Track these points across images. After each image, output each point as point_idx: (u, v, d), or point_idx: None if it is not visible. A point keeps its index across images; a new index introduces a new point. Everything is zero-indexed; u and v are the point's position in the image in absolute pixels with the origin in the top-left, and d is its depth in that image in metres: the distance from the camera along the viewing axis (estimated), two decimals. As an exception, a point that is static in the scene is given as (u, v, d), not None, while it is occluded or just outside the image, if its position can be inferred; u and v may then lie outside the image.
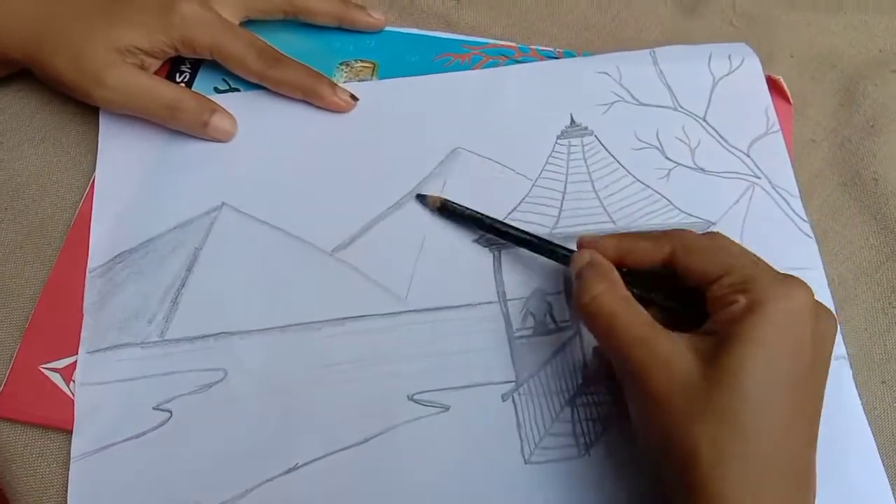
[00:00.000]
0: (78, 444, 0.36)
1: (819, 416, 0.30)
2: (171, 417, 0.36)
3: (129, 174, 0.42)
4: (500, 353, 0.38)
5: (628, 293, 0.32)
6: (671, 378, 0.29)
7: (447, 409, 0.37)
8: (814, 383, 0.30)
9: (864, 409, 0.37)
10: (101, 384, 0.37)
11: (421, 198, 0.41)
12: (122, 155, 0.42)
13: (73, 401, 0.37)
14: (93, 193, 0.41)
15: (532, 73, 0.45)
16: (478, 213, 0.39)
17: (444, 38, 0.47)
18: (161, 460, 0.36)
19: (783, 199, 0.41)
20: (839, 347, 0.38)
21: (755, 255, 0.32)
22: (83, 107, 0.43)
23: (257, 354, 0.38)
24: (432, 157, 0.43)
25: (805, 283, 0.30)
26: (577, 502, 0.35)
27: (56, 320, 0.38)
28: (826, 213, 0.43)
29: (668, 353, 0.29)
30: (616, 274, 0.33)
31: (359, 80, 0.45)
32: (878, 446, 0.37)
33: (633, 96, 0.44)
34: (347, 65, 0.46)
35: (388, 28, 0.47)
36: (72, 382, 0.37)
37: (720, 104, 0.44)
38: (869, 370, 0.39)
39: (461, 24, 0.48)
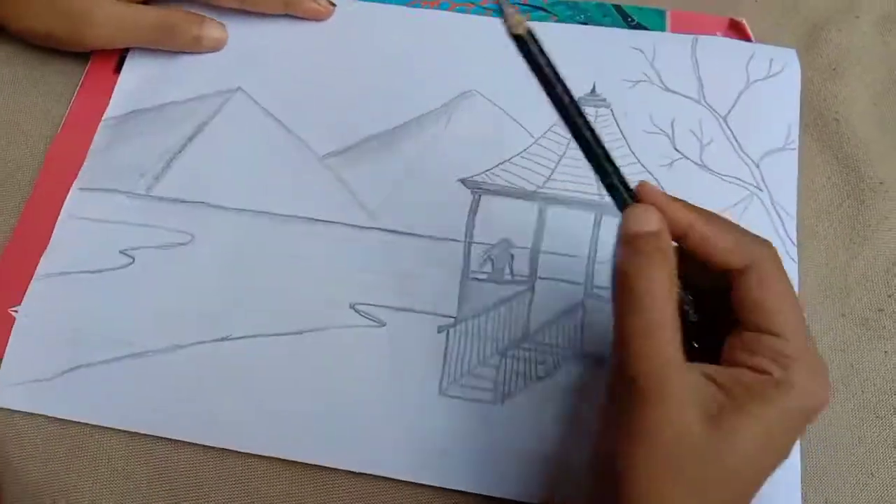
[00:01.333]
0: (44, 266, 0.39)
1: None
2: (132, 263, 0.39)
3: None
4: (450, 288, 0.39)
5: (675, 295, 0.26)
6: (667, 421, 0.25)
7: (383, 325, 0.38)
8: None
9: (825, 344, 0.38)
10: (81, 219, 0.40)
11: (501, 9, 0.28)
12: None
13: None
14: (61, 138, 0.42)
15: (567, 34, 0.45)
16: (557, 72, 0.29)
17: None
18: (110, 297, 0.38)
19: (779, 217, 0.40)
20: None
21: (807, 330, 0.27)
22: (52, 57, 0.44)
23: (226, 230, 0.40)
24: (444, 92, 0.43)
25: (828, 380, 0.27)
26: (479, 443, 0.36)
27: (25, 264, 0.39)
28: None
29: (677, 388, 0.25)
30: (675, 263, 0.26)
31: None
32: (834, 378, 0.37)
33: (661, 79, 0.43)
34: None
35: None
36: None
37: (745, 108, 0.42)
38: (829, 304, 0.39)
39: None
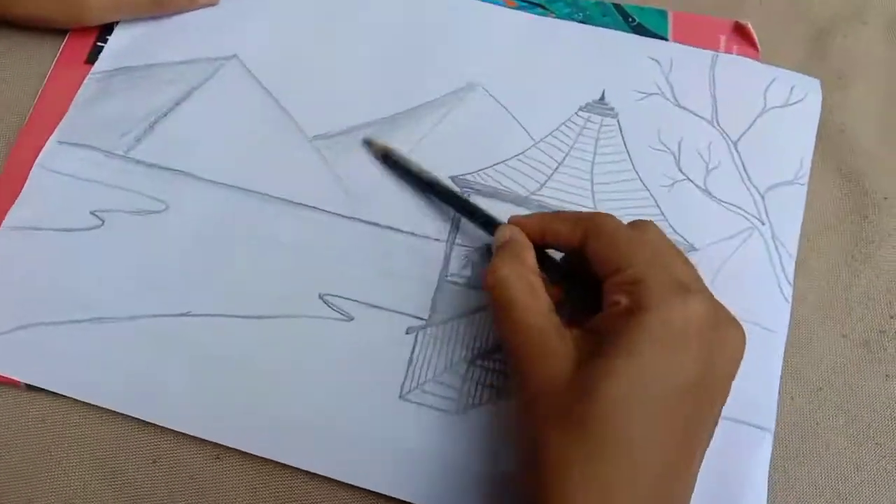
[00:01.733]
0: (11, 218, 0.38)
1: (705, 438, 0.28)
2: (101, 226, 0.38)
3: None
4: (425, 289, 0.37)
5: (538, 279, 0.30)
6: (545, 375, 0.27)
7: (351, 319, 0.36)
8: (699, 401, 0.27)
9: (824, 366, 0.37)
10: (56, 172, 0.39)
11: (367, 143, 0.39)
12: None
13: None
14: (28, 131, 0.40)
15: (582, 36, 0.43)
16: (421, 170, 0.38)
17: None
18: (74, 258, 0.37)
19: (778, 254, 0.38)
20: (768, 420, 0.35)
21: (673, 258, 0.29)
22: (23, 41, 0.43)
23: (202, 202, 0.38)
24: (447, 83, 0.41)
25: (701, 294, 0.28)
26: (433, 454, 0.34)
27: None
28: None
29: (554, 348, 0.28)
30: (531, 255, 0.31)
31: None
32: (832, 402, 0.36)
33: (674, 94, 0.41)
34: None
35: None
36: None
37: (759, 135, 0.40)
38: (830, 324, 0.38)
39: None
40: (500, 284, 0.30)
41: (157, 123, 0.40)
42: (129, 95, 0.40)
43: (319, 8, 0.43)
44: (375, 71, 0.41)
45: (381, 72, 0.42)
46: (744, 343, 0.28)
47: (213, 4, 0.42)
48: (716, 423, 0.28)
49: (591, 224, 0.31)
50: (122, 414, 0.35)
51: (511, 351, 0.29)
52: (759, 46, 0.43)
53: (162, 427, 0.35)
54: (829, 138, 0.41)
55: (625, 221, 0.37)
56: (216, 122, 0.40)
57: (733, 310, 0.35)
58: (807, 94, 0.41)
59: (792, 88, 0.41)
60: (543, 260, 0.33)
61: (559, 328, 0.29)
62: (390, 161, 0.39)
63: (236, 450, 0.34)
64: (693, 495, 0.28)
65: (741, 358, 0.28)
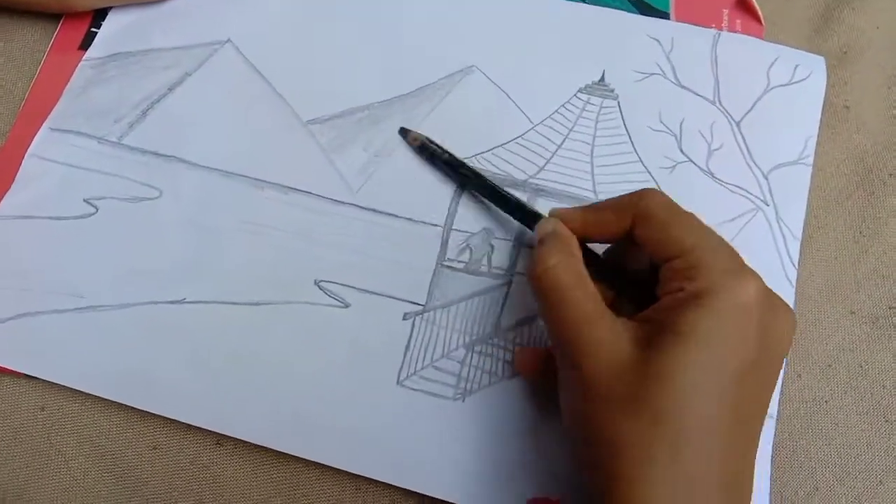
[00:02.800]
0: (5, 206, 0.38)
1: (761, 420, 0.28)
2: (95, 213, 0.37)
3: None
4: (422, 274, 0.37)
5: (584, 270, 0.30)
6: (605, 363, 0.27)
7: (347, 306, 0.36)
8: (757, 384, 0.27)
9: (832, 343, 0.37)
10: (48, 160, 0.38)
11: (403, 132, 0.39)
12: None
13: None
14: (22, 118, 0.40)
15: (581, 15, 0.42)
16: (457, 159, 0.37)
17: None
18: (68, 245, 0.37)
19: (783, 236, 0.37)
20: (771, 406, 0.35)
21: (720, 241, 0.29)
22: (16, 28, 0.42)
23: (196, 188, 0.38)
24: (445, 66, 0.41)
25: (756, 275, 0.27)
26: (433, 440, 0.34)
27: None
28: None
29: (607, 337, 0.27)
30: (576, 247, 0.31)
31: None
32: (841, 380, 0.36)
33: (675, 74, 0.41)
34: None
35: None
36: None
37: (762, 115, 0.39)
38: (837, 300, 0.37)
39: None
40: (548, 275, 0.29)
41: (150, 109, 0.39)
42: (123, 82, 0.40)
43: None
44: (371, 54, 0.41)
45: (376, 55, 0.41)
46: (794, 325, 0.28)
47: None
48: (767, 407, 0.28)
49: (639, 209, 0.30)
50: (107, 399, 0.35)
51: (563, 342, 0.28)
52: (762, 20, 0.42)
53: (151, 413, 0.35)
54: (834, 114, 0.40)
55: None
56: (210, 107, 0.39)
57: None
58: (811, 73, 0.40)
59: (796, 67, 0.40)
60: (585, 255, 0.32)
61: (611, 317, 0.28)
62: (427, 152, 0.38)
63: (226, 436, 0.34)
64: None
65: (791, 340, 0.28)
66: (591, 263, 0.31)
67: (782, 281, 0.36)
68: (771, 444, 0.34)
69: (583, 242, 0.32)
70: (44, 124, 0.39)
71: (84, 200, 0.37)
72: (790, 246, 0.37)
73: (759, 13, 0.42)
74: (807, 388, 0.35)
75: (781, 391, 0.35)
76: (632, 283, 0.32)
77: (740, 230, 0.37)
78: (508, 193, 0.35)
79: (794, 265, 0.37)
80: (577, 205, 0.37)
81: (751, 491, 0.27)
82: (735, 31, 0.42)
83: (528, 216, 0.34)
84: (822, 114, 0.40)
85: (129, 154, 0.38)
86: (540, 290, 0.29)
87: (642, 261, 0.31)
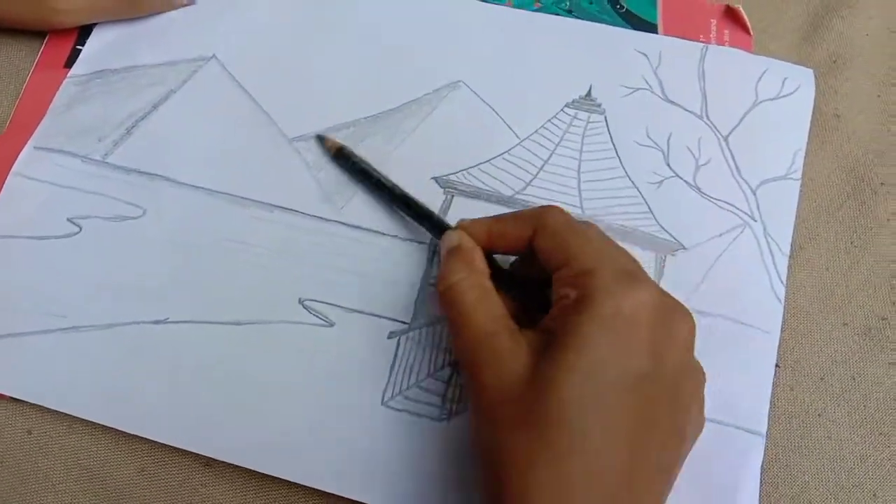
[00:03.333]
0: (-11, 225, 0.37)
1: (665, 434, 0.27)
2: (78, 233, 0.37)
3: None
4: (408, 293, 0.36)
5: (489, 284, 0.30)
6: (500, 378, 0.27)
7: (332, 325, 0.36)
8: (652, 395, 0.26)
9: (825, 355, 0.36)
10: (31, 179, 0.38)
11: (320, 139, 0.39)
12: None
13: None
14: (6, 137, 0.39)
15: (567, 30, 0.42)
16: (371, 168, 0.37)
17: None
18: (51, 266, 0.37)
19: (770, 252, 0.37)
20: (760, 424, 0.34)
21: (617, 251, 0.29)
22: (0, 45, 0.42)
23: (180, 206, 0.38)
24: (431, 81, 0.41)
25: (649, 283, 0.28)
26: (417, 462, 0.34)
27: None
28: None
29: (506, 351, 0.27)
30: (480, 260, 0.31)
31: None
32: (834, 392, 0.36)
33: (662, 89, 0.40)
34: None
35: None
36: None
37: (750, 129, 0.39)
38: (830, 311, 0.37)
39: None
40: (451, 290, 0.29)
41: (134, 127, 0.39)
42: (107, 99, 0.40)
43: (300, 8, 0.42)
44: (356, 70, 0.41)
45: (361, 71, 0.41)
46: (693, 331, 0.28)
47: (189, 4, 0.41)
48: (678, 424, 0.27)
49: (539, 220, 0.30)
50: (89, 421, 0.35)
51: (463, 357, 0.29)
52: (751, 30, 0.41)
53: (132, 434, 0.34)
54: (825, 124, 0.40)
55: (614, 220, 0.37)
56: (195, 124, 0.39)
57: (723, 310, 0.34)
58: (800, 86, 0.40)
59: (784, 80, 0.40)
60: (491, 267, 0.32)
61: (512, 332, 0.28)
62: (343, 159, 0.38)
63: (211, 458, 0.34)
64: (683, 501, 0.27)
65: (692, 347, 0.28)
66: (496, 276, 0.31)
67: (770, 297, 0.36)
68: (761, 459, 0.34)
69: (489, 254, 0.32)
70: (28, 143, 0.39)
71: (67, 220, 0.37)
72: (778, 261, 0.37)
73: (748, 23, 0.41)
74: (799, 400, 0.35)
75: (773, 404, 0.35)
76: (536, 293, 0.31)
77: (728, 246, 0.37)
78: (422, 207, 0.35)
79: (781, 281, 0.36)
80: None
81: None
82: (723, 42, 0.42)
83: (438, 227, 0.34)
84: (812, 123, 0.39)
85: (113, 172, 0.38)
86: (444, 305, 0.30)
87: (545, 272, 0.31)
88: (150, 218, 0.37)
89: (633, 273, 0.28)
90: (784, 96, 0.40)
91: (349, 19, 0.42)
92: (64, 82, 0.40)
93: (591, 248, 0.29)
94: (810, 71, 0.40)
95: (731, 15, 0.42)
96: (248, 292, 0.36)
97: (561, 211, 0.31)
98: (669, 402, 0.27)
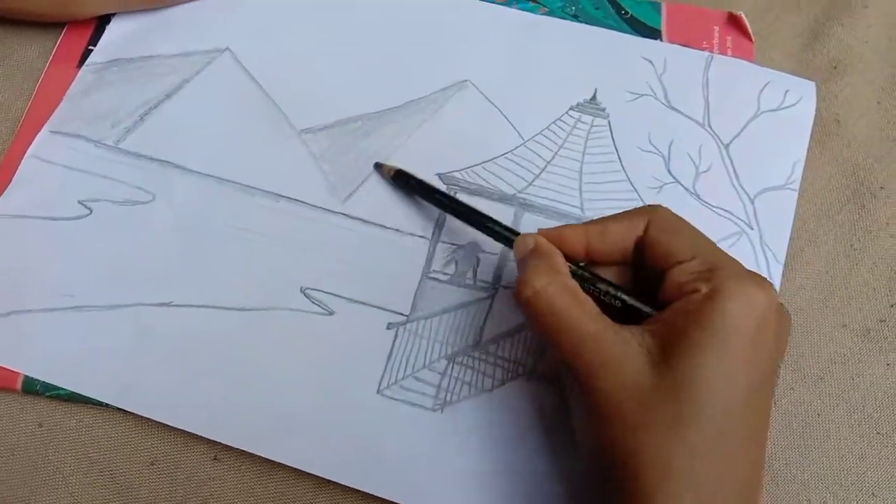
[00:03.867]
0: (2, 205, 0.38)
1: (767, 431, 0.28)
2: (88, 215, 0.38)
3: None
4: (407, 285, 0.37)
5: (574, 283, 0.29)
6: (620, 381, 0.26)
7: (332, 314, 0.36)
8: (768, 391, 0.27)
9: (824, 356, 0.36)
10: (46, 162, 0.39)
11: (377, 166, 0.39)
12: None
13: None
14: (23, 129, 0.40)
15: (575, 34, 0.43)
16: (433, 188, 0.37)
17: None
18: (61, 247, 0.37)
19: (766, 259, 0.37)
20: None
21: (719, 248, 0.29)
22: (16, 45, 0.43)
23: (189, 193, 0.38)
24: (438, 80, 0.41)
25: (769, 282, 0.27)
26: (410, 450, 0.34)
27: None
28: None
29: (619, 353, 0.26)
30: (561, 260, 0.30)
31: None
32: (833, 392, 0.36)
33: (666, 96, 0.41)
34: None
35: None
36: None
37: (750, 138, 0.40)
38: (829, 313, 0.37)
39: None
40: (539, 297, 0.28)
41: (148, 115, 0.40)
42: (122, 87, 0.41)
43: (312, 3, 0.43)
44: (366, 66, 0.42)
45: (371, 67, 0.42)
46: (790, 331, 0.29)
47: None
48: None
49: (652, 214, 0.30)
50: (118, 416, 0.35)
51: (570, 364, 0.27)
52: (752, 37, 0.42)
53: (159, 428, 0.35)
54: (825, 128, 0.41)
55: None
56: (206, 114, 0.40)
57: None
58: (801, 98, 0.40)
59: (786, 92, 0.40)
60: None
61: (615, 329, 0.27)
62: (402, 181, 0.38)
63: (235, 450, 0.34)
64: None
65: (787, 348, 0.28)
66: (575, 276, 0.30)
67: None
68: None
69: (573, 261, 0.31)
70: (44, 127, 0.40)
71: (79, 202, 0.38)
72: (773, 270, 0.37)
73: (749, 30, 0.42)
74: (799, 400, 0.36)
75: (773, 404, 0.35)
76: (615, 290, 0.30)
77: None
78: (487, 217, 0.34)
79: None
80: (564, 222, 0.38)
81: (760, 500, 0.27)
82: (726, 48, 0.42)
83: (505, 235, 0.33)
84: (812, 128, 0.40)
85: (125, 158, 0.39)
86: (533, 314, 0.28)
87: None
88: (159, 203, 0.38)
89: (752, 272, 0.28)
90: (786, 108, 0.40)
91: (360, 16, 0.43)
92: (81, 69, 0.41)
93: (710, 244, 0.29)
94: (812, 84, 0.41)
95: (734, 22, 0.43)
96: (251, 279, 0.37)
97: (667, 208, 0.30)
98: (771, 399, 0.28)
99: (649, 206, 0.30)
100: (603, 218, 0.31)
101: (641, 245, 0.30)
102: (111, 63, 0.41)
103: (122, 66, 0.41)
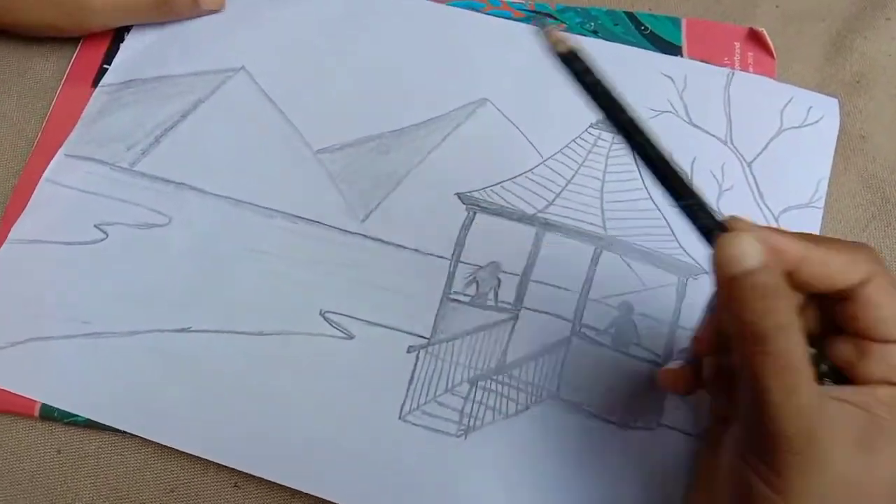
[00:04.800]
0: (18, 230, 0.38)
1: None
2: (105, 239, 0.38)
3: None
4: (427, 307, 0.37)
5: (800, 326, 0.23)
6: (828, 467, 0.22)
7: (351, 337, 0.36)
8: None
9: None
10: (61, 185, 0.39)
11: (544, 32, 0.27)
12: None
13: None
14: (38, 150, 0.40)
15: (595, 51, 0.41)
16: (612, 92, 0.27)
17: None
18: (77, 271, 0.37)
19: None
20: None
21: None
22: (24, 68, 0.43)
23: (205, 215, 0.38)
24: (456, 98, 0.41)
25: None
26: (433, 477, 0.34)
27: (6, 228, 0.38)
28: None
29: (822, 437, 0.22)
30: (792, 295, 0.24)
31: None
32: None
33: (687, 113, 0.40)
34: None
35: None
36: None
37: (774, 156, 0.39)
38: None
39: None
40: (772, 340, 0.22)
41: (163, 136, 0.40)
42: (137, 108, 0.40)
43: (328, 20, 0.43)
44: (382, 84, 0.41)
45: (387, 85, 0.41)
46: None
47: (217, 10, 0.42)
48: None
49: (873, 270, 0.24)
50: (137, 443, 0.35)
51: (775, 438, 0.22)
52: (774, 53, 0.42)
53: (178, 455, 0.34)
54: (850, 144, 0.40)
55: (636, 241, 0.37)
56: (221, 135, 0.40)
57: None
58: (824, 115, 0.40)
59: (809, 109, 0.40)
60: None
61: (820, 399, 0.23)
62: (570, 61, 0.28)
63: (255, 477, 0.34)
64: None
65: None
66: None
67: None
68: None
69: None
70: (59, 150, 0.39)
71: (95, 226, 0.38)
72: (800, 289, 0.36)
73: (771, 46, 0.42)
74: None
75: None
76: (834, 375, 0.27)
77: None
78: (676, 166, 0.26)
79: None
80: (586, 242, 0.37)
81: None
82: (747, 64, 0.42)
83: (709, 228, 0.25)
84: (837, 143, 0.39)
85: (140, 180, 0.39)
86: (756, 357, 0.22)
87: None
88: (175, 226, 0.38)
89: None
90: (809, 125, 0.40)
91: (375, 34, 0.42)
92: (95, 91, 0.41)
93: None
94: (835, 100, 0.40)
95: (755, 37, 0.42)
96: (270, 303, 0.36)
97: (881, 259, 0.25)
98: None
99: (868, 253, 0.25)
100: (820, 239, 0.25)
101: (852, 295, 0.24)
102: (126, 84, 0.41)
103: (136, 86, 0.41)
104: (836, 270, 0.24)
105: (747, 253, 0.23)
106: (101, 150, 0.39)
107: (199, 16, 0.42)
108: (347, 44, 0.42)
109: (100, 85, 0.41)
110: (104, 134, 0.40)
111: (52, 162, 0.39)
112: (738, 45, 0.42)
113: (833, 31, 0.43)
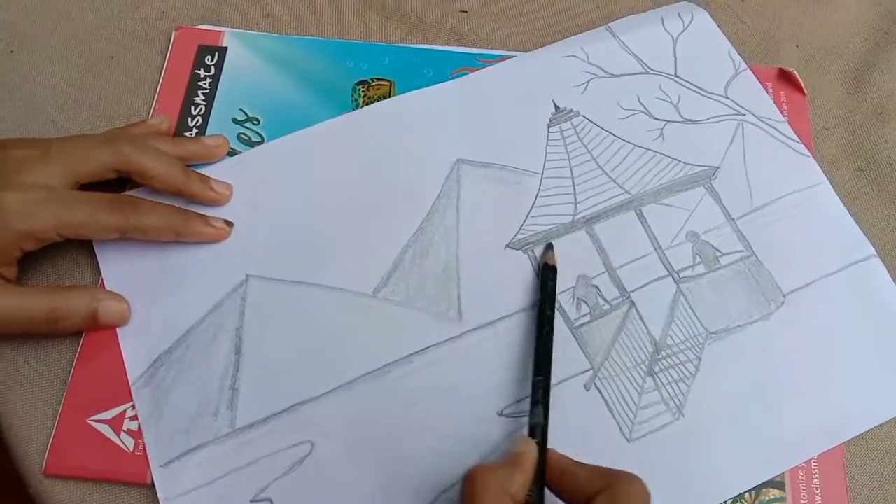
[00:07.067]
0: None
1: None
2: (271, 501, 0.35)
3: (141, 278, 0.39)
4: (568, 346, 0.38)
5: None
6: None
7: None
8: None
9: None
10: (186, 494, 0.35)
11: (549, 246, 0.40)
12: (125, 265, 0.40)
13: (124, 451, 0.35)
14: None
15: (504, 72, 0.46)
16: (549, 301, 0.38)
17: (459, 53, 0.47)
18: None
19: (771, 126, 0.44)
20: (866, 246, 0.41)
21: None
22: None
23: (336, 416, 0.36)
24: (437, 174, 0.43)
25: None
26: (684, 464, 0.36)
27: (98, 371, 0.37)
28: (845, 197, 0.43)
29: None
30: (526, 484, 0.30)
31: (377, 99, 0.45)
32: None
33: (604, 71, 0.46)
34: (364, 84, 0.45)
35: (401, 44, 0.47)
36: (122, 433, 0.36)
37: (686, 58, 0.46)
38: None
39: (471, 37, 0.48)
40: (481, 488, 0.29)
41: (236, 382, 0.37)
42: (187, 377, 0.37)
43: (301, 188, 0.42)
44: (383, 201, 0.42)
45: (385, 199, 0.42)
46: None
47: (121, 324, 0.38)
48: None
49: (609, 489, 0.29)
50: None
51: None
52: (805, 91, 0.45)
53: None
54: (879, 172, 0.44)
55: (656, 184, 0.41)
56: (283, 340, 0.38)
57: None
58: (693, 13, 0.48)
59: (679, 15, 0.48)
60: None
61: None
62: (543, 277, 0.39)
63: None
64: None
65: None
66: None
67: (797, 157, 0.44)
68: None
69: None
70: (151, 465, 0.35)
71: (252, 502, 0.35)
72: (781, 129, 0.45)
73: (802, 84, 0.45)
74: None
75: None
76: None
77: (742, 144, 0.44)
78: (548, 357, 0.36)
79: (796, 140, 0.44)
80: (625, 211, 0.41)
81: None
82: (781, 102, 0.46)
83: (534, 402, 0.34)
84: (866, 172, 0.44)
85: (254, 432, 0.36)
86: (468, 489, 0.29)
87: None
88: (320, 445, 0.36)
89: None
90: (689, 25, 0.47)
91: (345, 172, 0.43)
92: (134, 392, 0.37)
93: None
94: (690, 3, 0.48)
95: (786, 77, 0.46)
96: (449, 442, 0.36)
97: (636, 484, 0.29)
98: None
99: (619, 473, 0.30)
100: (583, 464, 0.31)
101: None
102: (154, 366, 0.37)
103: (167, 360, 0.38)
104: (579, 481, 0.31)
105: (522, 445, 0.32)
106: (191, 437, 0.36)
107: (97, 328, 0.38)
108: (327, 192, 0.42)
109: (131, 385, 0.37)
110: (179, 422, 0.36)
111: (156, 482, 0.35)
112: (769, 85, 0.46)
113: (851, 67, 0.47)
